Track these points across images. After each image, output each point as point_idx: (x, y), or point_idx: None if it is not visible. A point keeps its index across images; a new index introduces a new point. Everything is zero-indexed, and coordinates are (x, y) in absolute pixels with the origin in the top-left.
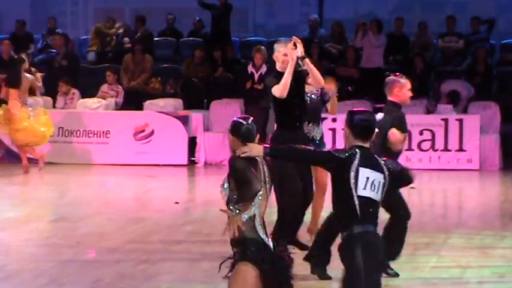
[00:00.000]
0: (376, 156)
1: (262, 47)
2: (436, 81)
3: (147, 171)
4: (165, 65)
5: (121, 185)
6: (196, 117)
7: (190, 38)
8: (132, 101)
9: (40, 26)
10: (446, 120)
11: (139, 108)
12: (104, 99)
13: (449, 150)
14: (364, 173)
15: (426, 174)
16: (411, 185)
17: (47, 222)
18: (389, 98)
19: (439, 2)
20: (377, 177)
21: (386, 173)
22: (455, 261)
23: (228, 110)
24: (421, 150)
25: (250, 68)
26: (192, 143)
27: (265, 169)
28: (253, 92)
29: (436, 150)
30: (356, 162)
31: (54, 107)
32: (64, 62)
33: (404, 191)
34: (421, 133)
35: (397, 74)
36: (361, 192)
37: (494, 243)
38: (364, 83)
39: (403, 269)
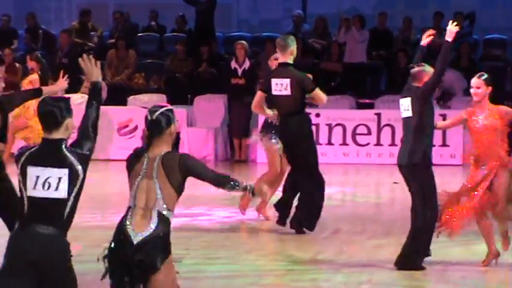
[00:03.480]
0: (63, 146)
1: (244, 42)
2: None
3: None
4: (149, 61)
5: (105, 180)
6: (179, 112)
7: (174, 34)
8: (116, 97)
9: (23, 22)
10: None
11: (123, 103)
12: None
13: (433, 146)
14: (32, 171)
15: None
16: (394, 181)
17: None
18: (417, 84)
19: None
20: (53, 173)
21: (76, 164)
22: (438, 257)
23: (211, 106)
24: None
25: (233, 64)
26: (176, 138)
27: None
28: (237, 88)
29: None
30: (22, 159)
31: None
32: (65, 60)
33: (387, 187)
34: None
35: (421, 64)
36: (31, 191)
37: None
38: (348, 78)
39: (387, 264)
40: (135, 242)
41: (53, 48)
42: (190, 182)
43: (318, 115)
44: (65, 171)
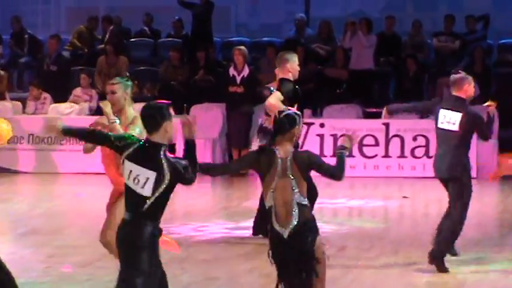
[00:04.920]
0: (161, 152)
1: (243, 47)
2: (430, 83)
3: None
4: (142, 68)
5: (96, 195)
6: (175, 122)
7: (169, 39)
8: None
9: (8, 26)
10: None
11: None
12: (77, 103)
13: None
14: (128, 166)
15: (420, 182)
16: (404, 195)
17: (15, 236)
18: (457, 93)
19: (432, 0)
20: (142, 172)
21: (165, 171)
22: (451, 274)
23: (209, 115)
24: (415, 157)
25: (231, 71)
26: (171, 149)
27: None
28: (236, 96)
29: (431, 157)
30: (126, 153)
31: (24, 112)
32: (53, 67)
33: (396, 201)
34: (414, 139)
35: (460, 70)
36: (127, 181)
37: (492, 255)
38: (354, 86)
39: (397, 284)
40: (285, 237)
41: (40, 54)
42: (186, 197)
43: (322, 125)
44: (154, 174)
